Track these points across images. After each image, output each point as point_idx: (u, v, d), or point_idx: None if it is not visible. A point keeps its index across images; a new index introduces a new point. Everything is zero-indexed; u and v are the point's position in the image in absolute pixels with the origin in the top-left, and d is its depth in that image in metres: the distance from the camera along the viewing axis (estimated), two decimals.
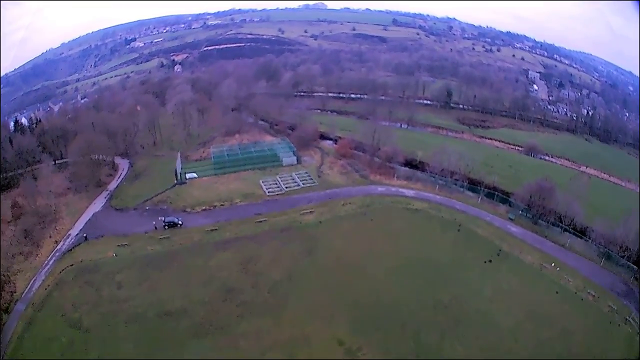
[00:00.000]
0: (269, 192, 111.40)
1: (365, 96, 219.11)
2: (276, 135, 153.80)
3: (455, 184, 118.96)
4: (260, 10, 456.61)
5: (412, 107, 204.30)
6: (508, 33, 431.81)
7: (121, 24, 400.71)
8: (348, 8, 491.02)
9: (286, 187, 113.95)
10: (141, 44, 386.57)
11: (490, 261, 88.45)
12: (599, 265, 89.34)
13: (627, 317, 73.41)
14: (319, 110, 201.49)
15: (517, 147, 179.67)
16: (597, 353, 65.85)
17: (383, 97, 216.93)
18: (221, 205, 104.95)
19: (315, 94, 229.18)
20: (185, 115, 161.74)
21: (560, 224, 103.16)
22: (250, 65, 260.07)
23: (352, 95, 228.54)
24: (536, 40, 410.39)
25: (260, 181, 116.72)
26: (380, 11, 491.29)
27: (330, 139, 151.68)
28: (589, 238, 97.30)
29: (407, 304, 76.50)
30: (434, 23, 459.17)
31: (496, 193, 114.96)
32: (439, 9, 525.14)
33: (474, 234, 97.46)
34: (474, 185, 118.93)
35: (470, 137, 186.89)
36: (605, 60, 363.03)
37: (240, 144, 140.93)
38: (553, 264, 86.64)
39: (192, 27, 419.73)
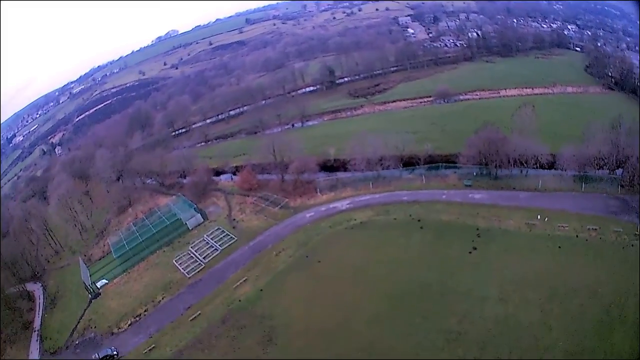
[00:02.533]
0: (188, 272, 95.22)
1: (246, 107, 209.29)
2: (169, 193, 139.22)
3: (388, 170, 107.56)
4: (118, 60, 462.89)
5: (297, 100, 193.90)
6: None
7: None
8: (199, 25, 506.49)
9: (204, 258, 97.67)
10: (21, 138, 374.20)
11: (475, 248, 77.56)
12: (581, 192, 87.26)
13: (635, 232, 71.71)
14: (203, 144, 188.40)
15: (426, 100, 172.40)
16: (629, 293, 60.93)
17: (264, 102, 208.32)
18: (145, 311, 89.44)
19: (193, 126, 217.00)
20: (71, 209, 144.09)
21: (524, 166, 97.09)
22: (121, 121, 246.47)
23: (232, 112, 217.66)
24: None
25: (174, 261, 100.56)
26: (231, 16, 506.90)
27: (228, 172, 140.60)
28: (561, 168, 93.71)
29: (415, 349, 61.63)
30: (287, 8, 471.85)
31: (440, 164, 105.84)
32: None
33: (440, 225, 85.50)
34: (409, 164, 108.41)
35: (372, 108, 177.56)
36: None
37: (135, 222, 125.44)
38: (539, 217, 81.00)
39: (61, 101, 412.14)
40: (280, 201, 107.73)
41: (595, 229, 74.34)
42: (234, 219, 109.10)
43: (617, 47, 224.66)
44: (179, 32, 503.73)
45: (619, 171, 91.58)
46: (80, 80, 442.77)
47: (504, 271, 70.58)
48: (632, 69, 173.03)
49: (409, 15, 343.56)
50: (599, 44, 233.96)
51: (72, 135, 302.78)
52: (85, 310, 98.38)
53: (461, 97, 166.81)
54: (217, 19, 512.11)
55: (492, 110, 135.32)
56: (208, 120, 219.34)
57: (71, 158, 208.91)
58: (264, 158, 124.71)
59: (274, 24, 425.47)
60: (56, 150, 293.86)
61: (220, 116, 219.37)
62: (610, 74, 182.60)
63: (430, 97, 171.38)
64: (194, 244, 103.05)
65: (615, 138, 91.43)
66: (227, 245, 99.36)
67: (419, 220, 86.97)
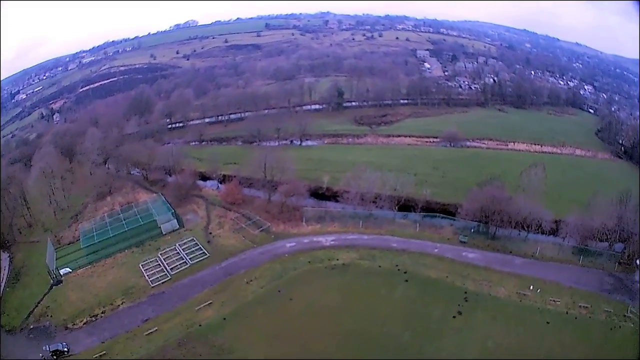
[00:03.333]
0: (152, 280, 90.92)
1: (247, 114, 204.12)
2: (151, 190, 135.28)
3: (382, 210, 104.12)
4: (133, 39, 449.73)
5: (301, 116, 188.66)
6: (387, 16, 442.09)
7: (7, 77, 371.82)
8: (219, 21, 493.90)
9: (172, 269, 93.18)
10: (24, 96, 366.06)
11: (460, 313, 73.50)
12: (578, 264, 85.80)
13: (625, 314, 72.02)
14: (196, 143, 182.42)
15: (432, 140, 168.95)
16: None
17: (267, 111, 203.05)
18: (102, 313, 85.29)
19: (191, 123, 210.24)
20: (51, 184, 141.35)
21: (525, 230, 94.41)
22: (122, 102, 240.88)
23: (232, 116, 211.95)
24: (417, 18, 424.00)
25: (140, 265, 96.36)
26: (252, 18, 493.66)
27: (215, 180, 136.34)
28: (561, 236, 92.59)
29: None
30: (308, 20, 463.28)
31: (436, 214, 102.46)
32: (312, 5, 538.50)
33: (427, 281, 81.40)
34: (404, 207, 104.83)
35: (376, 140, 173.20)
36: (493, 24, 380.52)
37: (110, 214, 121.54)
38: (532, 287, 78.50)
39: (69, 68, 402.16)
40: (262, 224, 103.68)
41: (587, 307, 73.20)
42: (211, 233, 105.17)
43: (631, 115, 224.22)
44: (198, 24, 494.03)
45: (618, 246, 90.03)
46: (92, 51, 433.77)
47: (487, 342, 67.10)
48: None
49: (427, 50, 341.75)
50: (613, 109, 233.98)
51: (72, 105, 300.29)
52: (45, 294, 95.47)
53: (468, 143, 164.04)
54: (238, 18, 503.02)
55: (498, 163, 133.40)
56: (207, 119, 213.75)
57: (64, 130, 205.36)
58: (254, 172, 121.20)
59: (293, 34, 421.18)
60: (54, 117, 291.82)
61: (220, 117, 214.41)
62: (620, 142, 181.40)
63: (437, 137, 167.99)
64: (164, 251, 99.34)
65: (621, 213, 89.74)
66: (197, 260, 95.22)
67: (405, 272, 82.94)
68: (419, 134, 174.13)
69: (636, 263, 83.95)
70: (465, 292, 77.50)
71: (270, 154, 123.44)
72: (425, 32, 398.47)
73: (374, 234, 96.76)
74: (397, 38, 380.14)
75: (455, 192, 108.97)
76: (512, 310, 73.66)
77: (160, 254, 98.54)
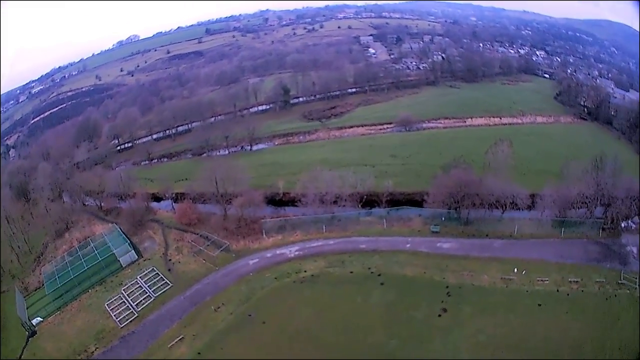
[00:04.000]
0: (120, 320, 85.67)
1: (194, 124, 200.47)
2: (106, 220, 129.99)
3: (344, 209, 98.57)
4: (78, 62, 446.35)
5: (248, 120, 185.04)
6: (327, 7, 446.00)
7: None
8: (160, 32, 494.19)
9: (137, 305, 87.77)
10: None
11: (445, 310, 68.90)
12: (560, 237, 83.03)
13: (618, 280, 70.30)
14: (146, 163, 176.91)
15: (386, 127, 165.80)
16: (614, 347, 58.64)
17: (214, 119, 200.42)
18: None
19: (138, 142, 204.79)
20: (11, 229, 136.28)
21: (499, 209, 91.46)
22: (71, 129, 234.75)
23: (180, 128, 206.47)
24: (358, 5, 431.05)
25: (106, 304, 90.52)
26: (192, 25, 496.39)
27: (168, 199, 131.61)
28: (538, 210, 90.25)
29: None
30: (248, 21, 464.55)
31: (404, 207, 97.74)
32: (251, 5, 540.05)
33: (404, 280, 76.35)
34: (368, 203, 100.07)
35: (327, 134, 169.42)
36: (435, 1, 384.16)
37: (69, 253, 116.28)
38: (515, 270, 75.14)
39: (20, 100, 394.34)
40: (222, 244, 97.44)
41: (577, 281, 70.55)
42: (170, 260, 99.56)
43: (589, 75, 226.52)
44: (140, 38, 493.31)
45: (597, 210, 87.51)
46: (41, 79, 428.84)
47: (478, 336, 62.81)
48: (608, 99, 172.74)
49: (371, 35, 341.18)
50: (568, 70, 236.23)
51: (26, 138, 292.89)
52: (23, 349, 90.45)
53: (424, 125, 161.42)
54: (178, 27, 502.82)
55: (459, 142, 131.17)
56: (154, 136, 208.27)
57: (17, 168, 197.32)
58: (207, 186, 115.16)
59: (234, 36, 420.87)
60: (10, 153, 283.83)
61: (167, 132, 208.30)
62: (583, 103, 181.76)
63: (390, 123, 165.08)
64: (126, 287, 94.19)
65: (598, 179, 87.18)
66: (161, 291, 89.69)
67: (379, 275, 77.58)
68: (372, 122, 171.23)
69: (621, 226, 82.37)
70: (447, 287, 73.01)
71: (220, 165, 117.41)
72: (367, 17, 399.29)
73: (340, 237, 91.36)
74: (339, 27, 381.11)
75: (418, 179, 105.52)
76: (500, 297, 69.85)
77: (124, 290, 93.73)
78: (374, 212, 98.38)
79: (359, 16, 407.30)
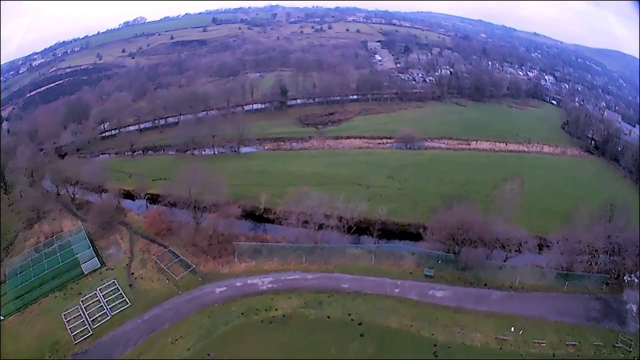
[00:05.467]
0: (75, 335, 78.69)
1: (184, 117, 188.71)
2: (76, 215, 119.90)
3: (330, 235, 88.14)
4: (83, 38, 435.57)
5: (240, 118, 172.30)
6: (337, 8, 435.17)
7: None
8: (168, 17, 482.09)
9: (93, 322, 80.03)
10: None
11: None
12: (562, 290, 76.25)
13: (615, 344, 66.12)
14: (129, 154, 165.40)
15: (386, 141, 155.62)
16: None
17: (207, 113, 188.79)
18: None
19: (126, 129, 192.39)
20: None
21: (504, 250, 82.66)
22: (62, 109, 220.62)
23: (170, 119, 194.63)
24: (369, 9, 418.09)
25: (63, 314, 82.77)
26: (201, 13, 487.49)
27: (142, 199, 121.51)
28: (544, 257, 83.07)
29: None
30: (257, 14, 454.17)
31: (395, 243, 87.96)
32: None
33: (387, 333, 66.51)
34: (358, 230, 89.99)
35: (322, 143, 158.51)
36: (447, 15, 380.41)
37: (36, 248, 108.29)
38: (512, 328, 68.11)
39: (20, 71, 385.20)
40: (189, 264, 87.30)
41: (574, 344, 65.49)
42: (133, 273, 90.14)
43: (596, 106, 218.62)
44: (147, 20, 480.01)
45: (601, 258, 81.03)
46: (43, 52, 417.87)
47: None
48: (617, 134, 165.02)
49: (379, 41, 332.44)
50: (576, 99, 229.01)
51: (20, 111, 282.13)
52: None
53: (426, 144, 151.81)
54: (186, 13, 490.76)
55: (462, 167, 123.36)
56: (142, 125, 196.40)
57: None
58: (183, 190, 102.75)
59: (239, 28, 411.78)
60: (3, 125, 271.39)
61: (157, 121, 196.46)
62: (590, 136, 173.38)
63: (390, 138, 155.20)
64: (85, 298, 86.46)
65: (608, 229, 79.89)
66: (119, 310, 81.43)
67: (359, 324, 67.34)
68: (371, 135, 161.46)
69: (625, 280, 77.52)
70: (435, 345, 64.04)
71: (199, 171, 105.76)
72: (377, 23, 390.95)
73: (321, 271, 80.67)
74: (347, 30, 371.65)
75: (415, 207, 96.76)
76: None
77: (82, 301, 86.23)
78: (363, 242, 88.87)
79: (369, 21, 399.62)
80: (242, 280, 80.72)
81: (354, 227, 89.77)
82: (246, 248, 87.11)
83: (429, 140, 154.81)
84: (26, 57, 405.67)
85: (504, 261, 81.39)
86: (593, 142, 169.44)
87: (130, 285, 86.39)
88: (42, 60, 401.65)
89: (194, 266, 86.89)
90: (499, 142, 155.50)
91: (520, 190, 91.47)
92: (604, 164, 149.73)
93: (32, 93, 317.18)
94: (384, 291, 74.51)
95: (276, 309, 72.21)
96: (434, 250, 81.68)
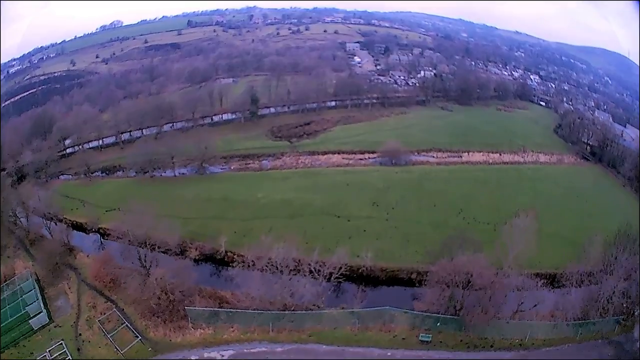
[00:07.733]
0: None
1: (147, 131, 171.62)
2: (29, 252, 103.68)
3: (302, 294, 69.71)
4: (60, 43, 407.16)
5: (205, 134, 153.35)
6: (315, 9, 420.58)
7: None
8: (145, 20, 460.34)
9: None
10: None
11: None
12: (575, 341, 67.00)
13: None
14: (85, 177, 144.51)
15: (368, 156, 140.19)
16: None
17: (171, 125, 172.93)
18: None
19: (88, 144, 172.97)
20: None
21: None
22: (28, 122, 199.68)
23: (135, 133, 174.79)
24: (347, 10, 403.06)
25: None
26: (177, 15, 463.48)
27: (95, 233, 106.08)
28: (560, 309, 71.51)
29: None
30: (233, 16, 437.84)
31: (385, 307, 69.27)
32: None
33: None
34: (338, 279, 72.44)
35: (296, 160, 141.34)
36: (426, 14, 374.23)
37: None
38: None
39: None
40: (137, 330, 72.66)
41: None
42: (80, 334, 76.23)
43: (585, 105, 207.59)
44: (123, 24, 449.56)
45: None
46: (21, 59, 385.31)
47: None
48: (615, 139, 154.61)
49: (358, 42, 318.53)
50: (564, 99, 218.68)
51: None
52: None
53: (413, 158, 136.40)
54: (163, 16, 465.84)
55: (456, 186, 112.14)
56: (104, 141, 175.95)
57: None
58: (134, 225, 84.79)
59: (214, 31, 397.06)
60: None
61: (120, 137, 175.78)
62: (586, 141, 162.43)
63: (374, 152, 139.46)
64: None
65: (628, 266, 70.29)
66: None
67: None
68: (351, 149, 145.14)
69: (636, 314, 71.17)
70: None
71: (152, 202, 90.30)
72: (356, 24, 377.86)
73: (292, 341, 64.39)
74: (325, 31, 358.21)
75: (405, 244, 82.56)
76: None
77: None
78: (344, 307, 71.12)
79: (347, 21, 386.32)
80: (197, 353, 65.38)
81: (332, 275, 72.07)
82: (201, 312, 70.41)
83: (416, 153, 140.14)
84: (4, 63, 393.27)
85: (515, 314, 67.30)
86: (589, 147, 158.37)
87: (78, 350, 73.52)
88: (19, 67, 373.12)
89: (140, 338, 71.37)
90: (493, 153, 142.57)
91: (535, 226, 75.07)
92: (601, 172, 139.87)
93: (6, 103, 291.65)
94: None
95: None
96: (432, 313, 66.15)
